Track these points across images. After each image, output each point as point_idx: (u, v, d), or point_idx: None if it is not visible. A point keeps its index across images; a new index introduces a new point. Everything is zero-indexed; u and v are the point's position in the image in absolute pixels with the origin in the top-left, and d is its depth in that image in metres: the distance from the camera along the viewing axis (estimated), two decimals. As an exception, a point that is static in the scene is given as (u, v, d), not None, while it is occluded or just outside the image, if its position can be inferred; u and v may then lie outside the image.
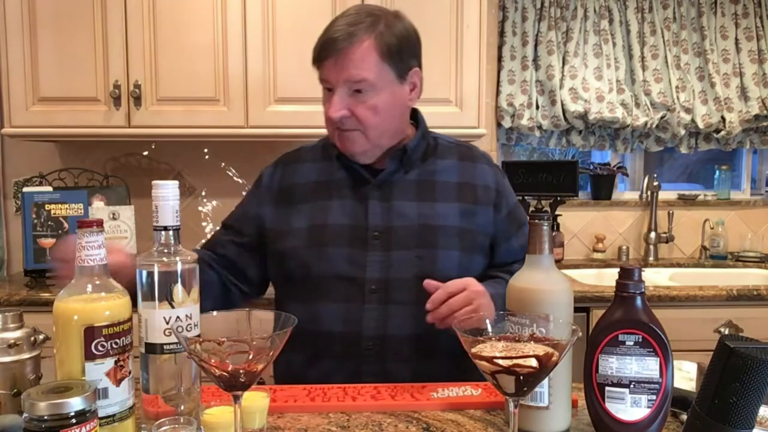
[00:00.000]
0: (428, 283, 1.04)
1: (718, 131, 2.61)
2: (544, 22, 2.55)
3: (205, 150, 2.46)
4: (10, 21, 2.06)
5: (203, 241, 1.37)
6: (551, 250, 0.84)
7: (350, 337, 1.13)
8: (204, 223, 2.48)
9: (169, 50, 2.08)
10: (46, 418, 0.63)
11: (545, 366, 0.66)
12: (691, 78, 2.60)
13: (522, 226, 1.29)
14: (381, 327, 1.13)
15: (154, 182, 0.79)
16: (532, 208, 2.47)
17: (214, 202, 2.48)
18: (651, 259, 2.59)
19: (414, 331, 1.14)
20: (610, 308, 0.81)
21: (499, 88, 2.57)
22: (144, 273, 0.79)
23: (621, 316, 0.79)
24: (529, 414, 0.82)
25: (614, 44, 2.58)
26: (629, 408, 0.78)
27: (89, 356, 0.72)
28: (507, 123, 2.57)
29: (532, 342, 0.71)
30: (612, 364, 0.79)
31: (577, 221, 2.66)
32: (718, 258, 2.59)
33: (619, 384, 0.79)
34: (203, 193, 2.48)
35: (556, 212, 2.51)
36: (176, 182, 0.80)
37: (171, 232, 0.79)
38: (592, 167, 2.73)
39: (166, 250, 0.79)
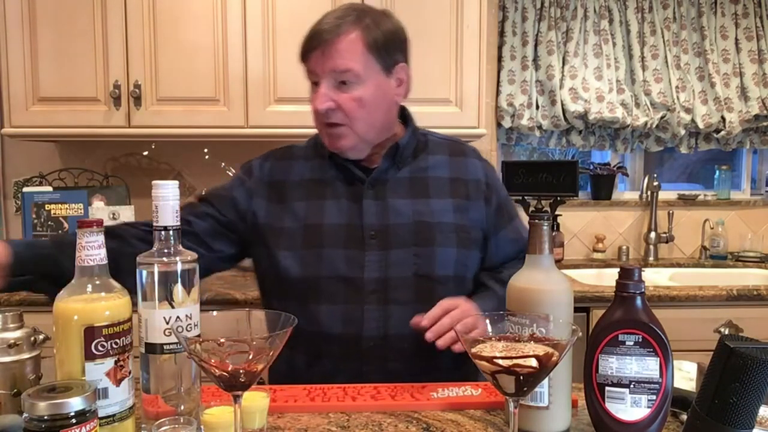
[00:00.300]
0: (416, 321, 1.03)
1: (718, 131, 2.61)
2: (544, 22, 2.55)
3: (205, 150, 2.46)
4: (10, 21, 2.06)
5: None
6: (551, 250, 0.84)
7: (350, 339, 1.12)
8: (204, 223, 2.48)
9: (169, 50, 2.08)
10: (46, 418, 0.63)
11: (545, 366, 0.66)
12: (691, 78, 2.60)
13: (512, 219, 1.29)
14: (381, 327, 1.13)
15: (154, 182, 0.79)
16: (532, 208, 2.47)
17: (214, 202, 2.48)
18: (651, 259, 2.59)
19: (414, 331, 1.14)
20: (610, 308, 0.81)
21: (499, 88, 2.57)
22: (144, 273, 0.78)
23: (621, 316, 0.79)
24: (529, 414, 0.82)
25: (614, 44, 2.58)
26: (629, 408, 0.78)
27: (89, 356, 0.72)
28: (507, 123, 2.57)
29: (532, 342, 0.71)
30: (612, 364, 0.79)
31: (577, 221, 2.66)
32: (718, 258, 2.59)
33: (619, 384, 0.79)
34: (203, 193, 2.47)
35: (556, 212, 2.51)
36: (176, 182, 0.80)
37: (171, 232, 0.79)
38: (592, 167, 2.73)
39: (166, 250, 0.79)
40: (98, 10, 2.06)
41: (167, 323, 0.77)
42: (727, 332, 1.85)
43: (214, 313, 0.77)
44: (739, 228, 2.69)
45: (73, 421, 0.64)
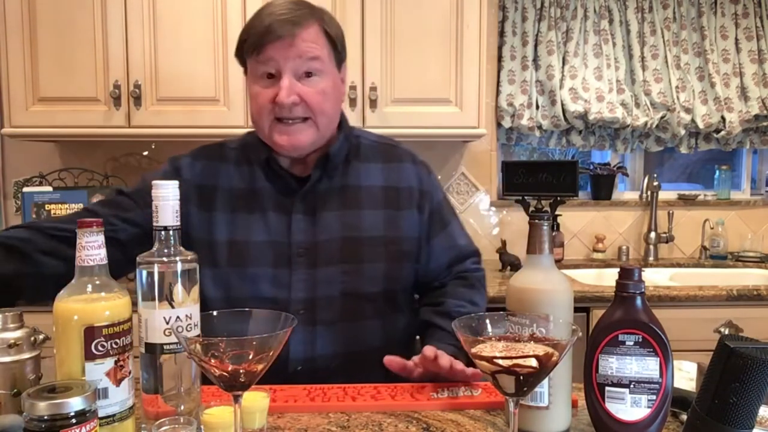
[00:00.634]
0: (389, 360, 1.00)
1: (718, 131, 2.61)
2: (544, 22, 2.55)
3: (205, 150, 2.45)
4: (10, 21, 2.06)
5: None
6: (551, 250, 0.84)
7: (277, 361, 1.09)
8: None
9: (169, 50, 2.08)
10: (46, 418, 0.63)
11: (545, 366, 0.66)
12: (691, 78, 2.60)
13: (446, 226, 1.24)
14: (309, 349, 1.10)
15: (154, 182, 0.79)
16: (532, 208, 2.47)
17: (214, 202, 2.48)
18: (651, 259, 2.59)
19: (342, 350, 1.12)
20: (610, 308, 0.81)
21: (499, 88, 2.57)
22: (144, 273, 0.78)
23: (621, 316, 0.79)
24: (529, 414, 0.82)
25: (614, 44, 2.58)
26: (629, 408, 0.78)
27: (89, 356, 0.72)
28: (507, 123, 2.57)
29: (532, 342, 0.71)
30: (612, 364, 0.79)
31: (577, 221, 2.66)
32: (718, 258, 2.59)
33: (619, 384, 0.79)
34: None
35: (556, 212, 2.51)
36: (176, 182, 0.80)
37: (171, 232, 0.79)
38: (592, 167, 2.73)
39: (166, 250, 0.79)
40: (98, 10, 2.06)
41: (167, 323, 0.77)
42: (727, 332, 1.85)
43: (214, 313, 0.77)
44: (739, 228, 2.69)
45: (73, 421, 0.64)
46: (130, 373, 0.76)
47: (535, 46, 2.57)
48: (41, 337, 0.85)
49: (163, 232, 0.79)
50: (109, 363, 0.74)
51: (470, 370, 0.99)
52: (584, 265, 2.52)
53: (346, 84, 1.19)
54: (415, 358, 1.01)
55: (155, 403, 0.80)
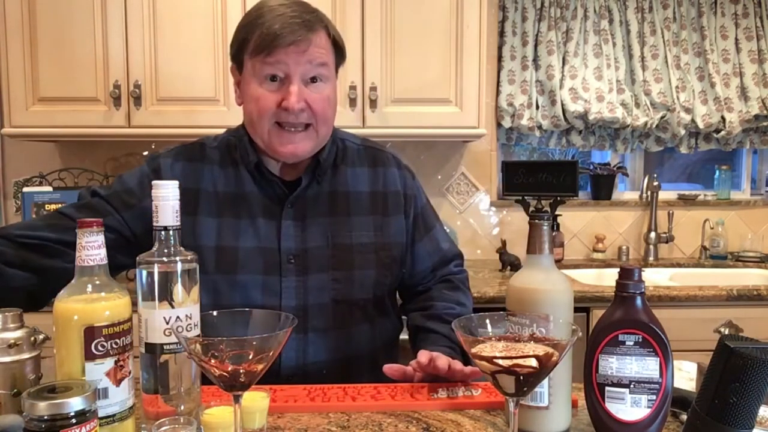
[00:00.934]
0: (389, 368, 1.00)
1: (718, 131, 2.61)
2: (544, 22, 2.55)
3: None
4: (10, 21, 2.06)
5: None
6: (551, 250, 0.84)
7: (269, 370, 1.09)
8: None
9: (169, 50, 2.08)
10: (46, 418, 0.63)
11: (545, 366, 0.66)
12: (691, 78, 2.60)
13: (429, 230, 1.24)
14: (300, 357, 1.10)
15: (154, 182, 0.79)
16: (532, 208, 2.47)
17: (214, 202, 2.48)
18: (651, 259, 2.59)
19: (333, 357, 1.12)
20: (610, 308, 0.81)
21: (499, 88, 2.57)
22: (144, 273, 0.78)
23: (621, 316, 0.79)
24: (529, 414, 0.82)
25: (614, 44, 2.58)
26: (629, 408, 0.78)
27: (89, 356, 0.72)
28: (507, 123, 2.57)
29: (532, 342, 0.71)
30: (612, 364, 0.79)
31: (577, 221, 2.66)
32: (718, 258, 2.59)
33: (619, 384, 0.79)
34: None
35: (556, 212, 2.51)
36: (176, 182, 0.80)
37: (171, 232, 0.79)
38: (592, 167, 2.73)
39: (166, 250, 0.79)
40: (98, 10, 2.06)
41: (167, 323, 0.77)
42: (727, 332, 1.85)
43: (214, 313, 0.77)
44: (739, 228, 2.69)
45: (73, 421, 0.64)
46: (130, 373, 0.76)
47: (535, 46, 2.57)
48: (41, 337, 0.85)
49: (163, 232, 0.79)
50: (109, 363, 0.74)
51: (469, 368, 0.99)
52: (584, 265, 2.52)
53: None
54: (413, 363, 1.01)
55: (155, 403, 0.80)
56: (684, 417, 0.85)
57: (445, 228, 1.34)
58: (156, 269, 0.78)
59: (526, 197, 2.47)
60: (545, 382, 0.79)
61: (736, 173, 2.84)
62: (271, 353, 0.68)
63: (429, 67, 2.15)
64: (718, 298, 1.95)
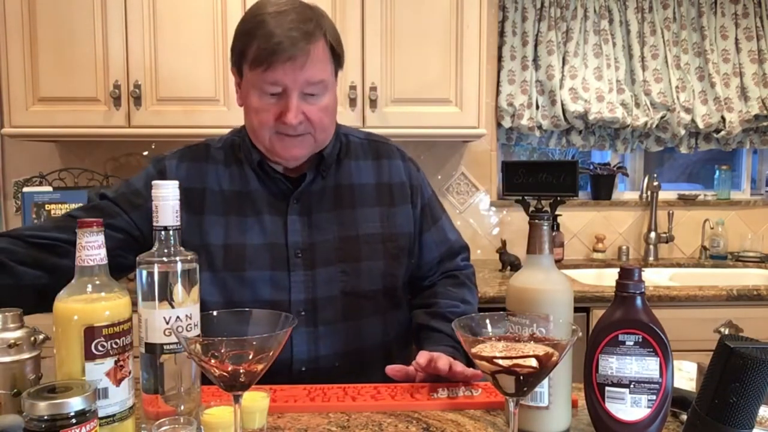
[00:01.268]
0: (392, 369, 1.01)
1: (718, 131, 2.61)
2: (544, 22, 2.55)
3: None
4: (10, 21, 2.06)
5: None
6: (551, 250, 0.84)
7: (281, 364, 1.09)
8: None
9: (169, 50, 2.08)
10: (46, 418, 0.63)
11: (545, 366, 0.66)
12: (691, 78, 2.60)
13: (437, 221, 1.25)
14: (312, 350, 1.11)
15: (154, 182, 0.79)
16: (532, 208, 2.47)
17: (214, 202, 2.48)
18: (651, 259, 2.59)
19: (344, 349, 1.12)
20: (610, 308, 0.81)
21: (499, 88, 2.57)
22: (144, 273, 0.78)
23: (621, 316, 0.79)
24: (529, 414, 0.82)
25: (614, 44, 2.58)
26: (629, 408, 0.78)
27: (89, 356, 0.72)
28: (507, 123, 2.57)
29: (532, 342, 0.71)
30: (612, 364, 0.79)
31: (577, 221, 2.66)
32: (718, 258, 2.59)
33: (619, 384, 0.79)
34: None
35: (556, 212, 2.51)
36: (176, 182, 0.80)
37: (171, 232, 0.79)
38: (592, 167, 2.73)
39: (166, 250, 0.79)
40: (98, 10, 2.06)
41: (167, 323, 0.77)
42: (727, 332, 1.85)
43: (214, 313, 0.77)
44: (739, 228, 2.69)
45: (73, 421, 0.64)
46: (130, 373, 0.76)
47: (535, 46, 2.57)
48: (41, 337, 0.85)
49: (163, 232, 0.79)
50: (109, 363, 0.74)
51: (470, 370, 0.99)
52: (584, 265, 2.52)
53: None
54: (415, 363, 1.01)
55: (155, 403, 0.80)
56: (684, 417, 0.85)
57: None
58: (156, 269, 0.78)
59: (526, 197, 2.47)
60: (545, 382, 0.79)
61: (736, 173, 2.84)
62: (271, 353, 0.68)
63: (429, 67, 2.15)
64: (718, 298, 1.95)
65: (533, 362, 0.65)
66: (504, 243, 2.37)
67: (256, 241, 1.11)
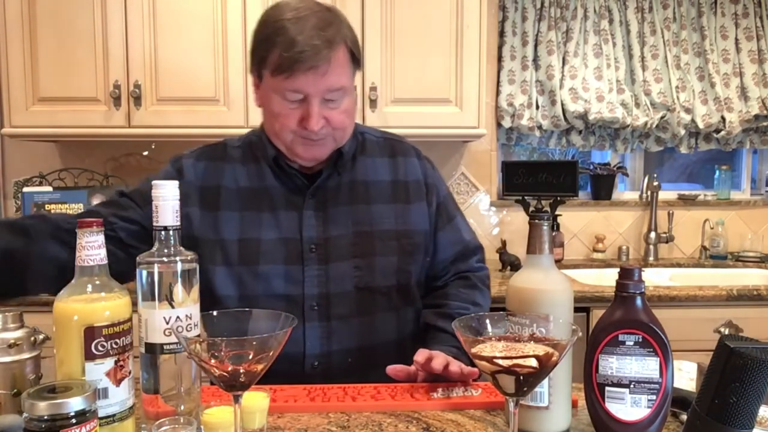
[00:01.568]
0: (393, 370, 1.01)
1: (718, 131, 2.61)
2: (544, 22, 2.55)
3: (205, 150, 2.45)
4: (10, 21, 2.06)
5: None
6: (551, 250, 0.84)
7: (293, 358, 1.10)
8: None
9: (169, 50, 2.08)
10: (46, 418, 0.63)
11: (545, 366, 0.66)
12: (691, 78, 2.60)
13: (451, 220, 1.25)
14: (325, 344, 1.11)
15: (154, 182, 0.79)
16: (532, 208, 2.47)
17: (214, 202, 2.48)
18: (651, 259, 2.59)
19: (357, 344, 1.13)
20: (610, 308, 0.81)
21: (499, 88, 2.57)
22: (144, 273, 0.78)
23: (621, 316, 0.79)
24: (529, 414, 0.82)
25: (614, 44, 2.58)
26: (629, 408, 0.78)
27: (89, 356, 0.72)
28: (507, 123, 2.57)
29: (532, 342, 0.71)
30: (612, 364, 0.79)
31: (577, 221, 2.66)
32: (718, 258, 2.59)
33: (619, 384, 0.79)
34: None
35: (556, 212, 2.51)
36: (176, 182, 0.80)
37: (171, 232, 0.79)
38: (592, 167, 2.73)
39: (166, 250, 0.79)
40: (98, 10, 2.06)
41: (167, 323, 0.77)
42: (727, 332, 1.85)
43: (214, 313, 0.77)
44: (739, 228, 2.69)
45: (73, 421, 0.64)
46: (130, 373, 0.76)
47: (535, 46, 2.57)
48: (41, 337, 0.85)
49: (163, 232, 0.79)
50: (109, 363, 0.74)
51: (467, 369, 0.99)
52: (584, 265, 2.52)
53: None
54: (414, 361, 1.01)
55: (155, 403, 0.80)
56: (684, 417, 0.85)
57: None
58: (156, 269, 0.78)
59: (526, 197, 2.47)
60: (545, 382, 0.79)
61: (736, 173, 2.84)
62: (271, 353, 0.68)
63: (429, 67, 2.15)
64: (718, 298, 1.95)
65: (533, 362, 0.65)
66: (504, 243, 2.37)
67: (272, 235, 1.12)
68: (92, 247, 0.74)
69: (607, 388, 0.79)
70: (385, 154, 1.22)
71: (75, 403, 0.64)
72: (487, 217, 2.64)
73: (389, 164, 1.21)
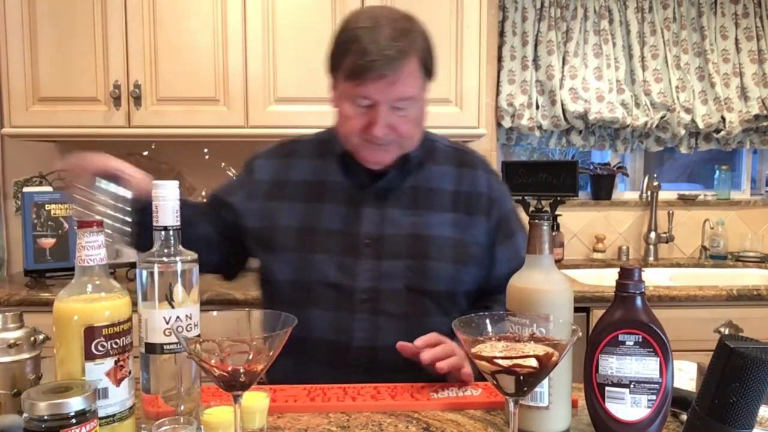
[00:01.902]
0: (402, 345, 1.03)
1: (718, 131, 2.61)
2: (544, 22, 2.55)
3: (205, 150, 2.45)
4: (10, 21, 2.06)
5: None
6: (551, 250, 0.84)
7: (340, 347, 1.12)
8: (204, 223, 2.48)
9: (169, 50, 2.08)
10: (46, 418, 0.63)
11: (545, 366, 0.66)
12: (691, 78, 2.60)
13: (512, 236, 1.24)
14: (371, 338, 1.12)
15: (154, 182, 0.79)
16: (532, 208, 2.47)
17: (214, 202, 2.48)
18: (651, 259, 2.59)
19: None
20: (610, 308, 0.81)
21: (499, 88, 2.57)
22: (144, 273, 0.78)
23: (621, 316, 0.79)
24: (529, 414, 0.82)
25: (614, 44, 2.58)
26: (629, 408, 0.78)
27: (89, 356, 0.72)
28: (507, 123, 2.57)
29: (532, 342, 0.71)
30: (612, 364, 0.79)
31: (577, 221, 2.66)
32: (718, 258, 2.59)
33: (619, 384, 0.79)
34: (203, 193, 2.48)
35: (556, 212, 2.51)
36: (176, 182, 0.80)
37: (171, 232, 0.79)
38: (592, 167, 2.73)
39: (166, 250, 0.79)
40: (98, 10, 2.06)
41: (167, 323, 0.77)
42: (727, 332, 1.85)
43: (214, 313, 0.77)
44: (739, 228, 2.69)
45: (73, 421, 0.64)
46: (130, 373, 0.76)
47: (535, 46, 2.57)
48: (41, 337, 0.85)
49: (163, 232, 0.79)
50: (109, 363, 0.74)
51: (458, 371, 1.00)
52: (584, 265, 2.52)
53: (427, 92, 1.21)
54: (418, 342, 1.02)
55: (155, 403, 0.80)
56: (684, 417, 0.85)
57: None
58: (156, 269, 0.78)
59: (526, 197, 2.47)
60: (545, 382, 0.79)
61: (736, 173, 2.84)
62: (271, 353, 0.68)
63: (429, 67, 2.15)
64: (718, 298, 1.95)
65: (533, 362, 0.65)
66: (504, 243, 2.37)
67: (330, 226, 1.16)
68: (92, 247, 0.74)
69: (607, 388, 0.79)
70: (452, 164, 1.24)
71: (75, 403, 0.64)
72: (487, 217, 2.64)
73: (455, 174, 1.23)
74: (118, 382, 0.74)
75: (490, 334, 0.75)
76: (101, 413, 0.72)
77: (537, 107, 2.58)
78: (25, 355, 0.82)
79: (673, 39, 2.59)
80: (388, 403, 0.93)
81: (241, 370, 0.66)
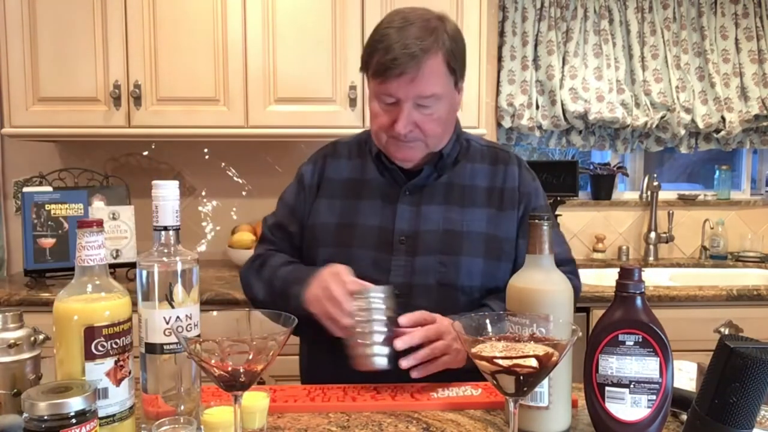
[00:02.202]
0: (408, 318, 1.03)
1: (718, 131, 2.61)
2: (544, 22, 2.55)
3: (205, 150, 2.46)
4: (10, 21, 2.06)
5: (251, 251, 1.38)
6: (551, 250, 0.84)
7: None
8: (204, 223, 2.48)
9: (169, 50, 2.08)
10: (46, 418, 0.63)
11: (545, 366, 0.66)
12: (691, 78, 2.60)
13: None
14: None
15: (154, 182, 0.79)
16: (532, 208, 2.46)
17: (214, 202, 2.48)
18: (651, 259, 2.59)
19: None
20: (610, 308, 0.81)
21: (499, 88, 2.57)
22: (144, 273, 0.78)
23: (621, 316, 0.79)
24: (529, 414, 0.82)
25: (614, 44, 2.58)
26: (629, 408, 0.78)
27: (89, 356, 0.73)
28: (507, 123, 2.57)
29: (532, 342, 0.71)
30: (612, 364, 0.79)
31: (577, 221, 2.66)
32: (718, 258, 2.59)
33: (619, 384, 0.79)
34: (203, 193, 2.48)
35: (556, 212, 2.51)
36: (176, 182, 0.80)
37: (171, 232, 0.79)
38: (592, 167, 2.73)
39: (166, 250, 0.79)
40: (98, 10, 2.06)
41: (167, 323, 0.78)
42: (727, 332, 1.85)
43: (214, 313, 0.77)
44: (739, 228, 2.69)
45: (73, 421, 0.64)
46: (130, 373, 0.76)
47: (535, 46, 2.57)
48: (41, 337, 0.85)
49: (163, 232, 0.79)
50: (109, 363, 0.74)
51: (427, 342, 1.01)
52: (584, 265, 2.52)
53: (462, 93, 1.22)
54: (403, 320, 1.02)
55: (155, 403, 0.80)
56: (684, 417, 0.85)
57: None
58: (156, 269, 0.78)
59: (526, 197, 2.46)
60: (545, 382, 0.79)
61: (736, 173, 2.84)
62: (271, 353, 0.68)
63: (429, 67, 2.15)
64: (718, 298, 1.95)
65: (533, 362, 0.65)
66: (504, 243, 2.37)
67: (367, 222, 1.20)
68: (92, 247, 0.74)
69: (607, 388, 0.79)
70: (486, 162, 1.26)
71: (75, 403, 0.64)
72: (487, 217, 2.64)
73: (489, 171, 1.24)
74: (118, 382, 0.74)
75: (490, 334, 0.75)
76: (101, 413, 0.72)
77: (537, 107, 2.57)
78: (25, 355, 0.82)
79: (673, 39, 2.59)
80: (388, 403, 0.93)
81: (241, 370, 0.66)
